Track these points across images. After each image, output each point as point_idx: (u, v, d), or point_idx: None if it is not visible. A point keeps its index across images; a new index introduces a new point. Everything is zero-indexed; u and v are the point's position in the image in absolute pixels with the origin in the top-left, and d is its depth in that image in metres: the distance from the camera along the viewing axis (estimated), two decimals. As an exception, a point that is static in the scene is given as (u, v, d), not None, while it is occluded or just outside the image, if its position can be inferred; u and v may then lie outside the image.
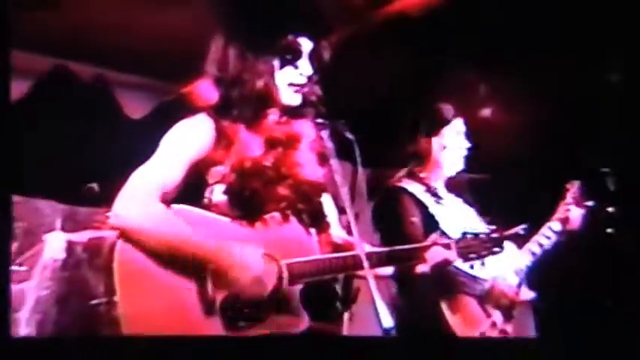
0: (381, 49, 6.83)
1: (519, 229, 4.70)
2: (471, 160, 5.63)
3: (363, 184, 3.94)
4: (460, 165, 5.59)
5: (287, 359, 3.55)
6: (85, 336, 5.06)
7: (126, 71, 7.78)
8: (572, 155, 5.82)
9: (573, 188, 5.57)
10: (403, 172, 5.58)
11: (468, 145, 5.59)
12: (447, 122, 5.54)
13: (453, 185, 5.63)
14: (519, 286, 5.26)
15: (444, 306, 5.10)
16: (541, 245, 5.41)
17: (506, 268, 5.30)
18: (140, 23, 6.85)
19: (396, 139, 5.81)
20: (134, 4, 6.63)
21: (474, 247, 4.38)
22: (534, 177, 6.59)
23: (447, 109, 5.59)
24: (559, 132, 6.83)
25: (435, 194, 5.48)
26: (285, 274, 3.73)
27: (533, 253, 5.40)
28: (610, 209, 5.49)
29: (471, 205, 5.62)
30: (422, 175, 5.54)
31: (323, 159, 3.90)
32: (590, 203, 5.55)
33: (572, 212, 5.48)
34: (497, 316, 5.16)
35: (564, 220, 5.47)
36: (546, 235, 5.44)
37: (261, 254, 3.74)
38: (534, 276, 5.45)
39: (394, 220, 5.33)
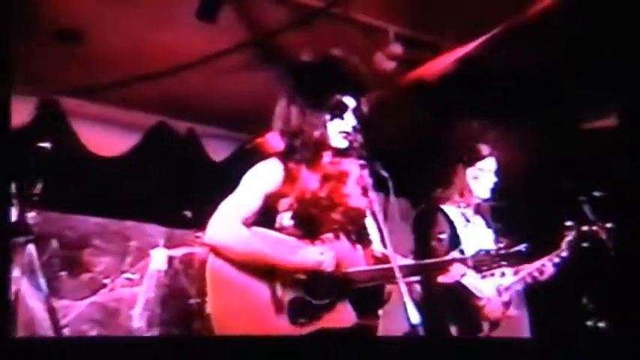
0: (406, 106, 6.88)
1: (522, 247, 4.64)
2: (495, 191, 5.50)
3: (395, 209, 3.88)
4: (487, 194, 5.44)
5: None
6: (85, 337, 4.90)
7: (211, 124, 7.88)
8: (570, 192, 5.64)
9: (569, 237, 5.38)
10: (441, 193, 5.45)
11: (496, 179, 5.45)
12: (482, 158, 5.41)
13: (479, 210, 5.48)
14: (508, 304, 5.15)
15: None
16: (533, 277, 5.26)
17: (501, 289, 5.17)
18: (223, 88, 6.96)
19: (419, 176, 5.70)
20: (217, 75, 6.72)
21: (486, 262, 4.23)
22: (539, 206, 6.48)
23: (484, 148, 5.46)
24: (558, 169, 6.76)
25: (465, 216, 5.38)
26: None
27: (525, 282, 5.27)
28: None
29: (490, 227, 5.46)
30: (457, 199, 5.40)
31: (365, 191, 3.87)
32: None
33: (546, 270, 5.29)
34: (485, 326, 5.13)
35: (541, 271, 5.28)
36: (539, 270, 5.28)
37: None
38: (523, 298, 5.34)
39: (426, 232, 5.23)
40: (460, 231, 5.28)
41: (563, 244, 5.36)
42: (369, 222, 4.02)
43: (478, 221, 5.45)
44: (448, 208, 5.35)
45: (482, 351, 3.48)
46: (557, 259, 5.31)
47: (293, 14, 6.18)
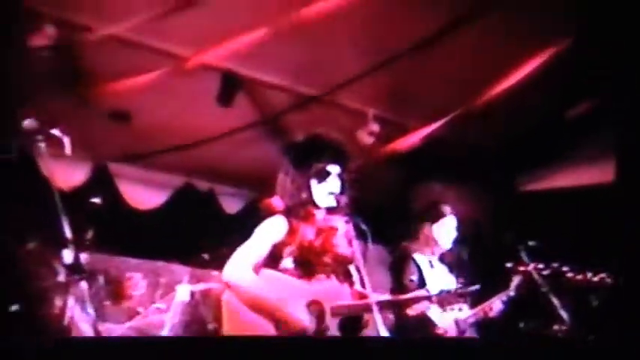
0: (383, 172, 6.87)
1: (475, 287, 4.62)
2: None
3: (373, 256, 3.98)
4: (449, 245, 5.46)
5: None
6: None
7: (227, 185, 7.88)
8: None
9: (516, 280, 5.35)
10: (411, 244, 5.44)
11: (456, 233, 5.47)
12: (445, 216, 5.43)
13: (442, 258, 5.48)
14: (463, 333, 5.13)
15: None
16: (485, 313, 5.22)
17: (459, 321, 5.16)
18: (237, 157, 7.02)
19: (395, 229, 5.73)
20: (232, 146, 6.78)
21: (448, 299, 4.28)
22: (487, 254, 6.43)
23: (446, 208, 5.48)
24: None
25: (430, 263, 5.36)
26: (327, 311, 3.82)
27: (478, 316, 5.23)
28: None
29: (451, 272, 5.46)
30: (425, 249, 5.39)
31: (350, 242, 3.93)
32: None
33: (495, 306, 5.25)
34: None
35: (491, 308, 5.25)
36: (489, 307, 5.25)
37: (304, 305, 3.81)
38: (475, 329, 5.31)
39: (399, 275, 5.25)
40: (426, 275, 5.28)
41: (512, 286, 5.33)
42: (352, 267, 4.03)
43: (442, 267, 5.44)
44: (417, 255, 5.36)
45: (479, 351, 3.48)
46: (505, 298, 5.29)
47: (293, 100, 6.32)
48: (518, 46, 5.53)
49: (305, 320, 3.79)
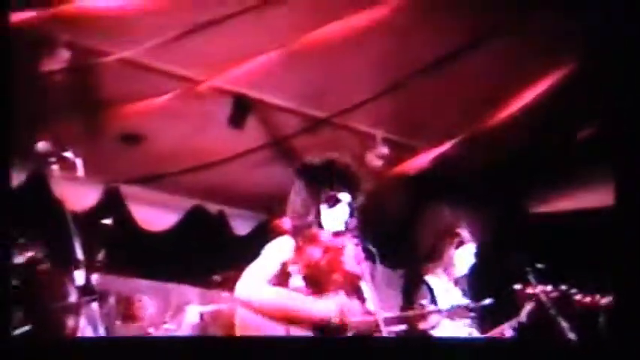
0: (391, 195, 6.90)
1: (487, 302, 4.61)
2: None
3: (380, 276, 3.99)
4: (466, 271, 5.38)
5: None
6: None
7: (236, 207, 7.92)
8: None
9: (529, 306, 5.16)
10: (430, 266, 5.35)
11: (474, 260, 5.38)
12: (466, 243, 5.35)
13: (457, 283, 5.35)
14: None
15: None
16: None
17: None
18: (247, 179, 7.07)
19: (408, 251, 5.81)
20: (242, 169, 6.82)
21: (459, 313, 4.43)
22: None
23: (467, 234, 5.39)
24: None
25: (445, 287, 5.27)
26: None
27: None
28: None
29: (465, 296, 5.30)
30: (441, 273, 5.30)
31: (359, 261, 3.95)
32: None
33: (506, 333, 5.10)
34: None
35: (502, 334, 5.10)
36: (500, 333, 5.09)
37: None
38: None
39: (411, 297, 5.21)
40: (439, 298, 5.19)
41: (523, 313, 5.19)
42: (364, 285, 4.04)
43: (456, 292, 5.36)
44: (432, 278, 5.30)
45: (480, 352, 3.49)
46: (516, 325, 5.15)
47: (303, 122, 6.35)
48: (526, 69, 5.54)
49: (332, 311, 3.84)
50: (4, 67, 3.52)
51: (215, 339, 4.82)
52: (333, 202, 4.06)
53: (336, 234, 4.07)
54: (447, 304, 5.00)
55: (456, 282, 5.41)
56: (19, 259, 4.15)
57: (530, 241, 6.61)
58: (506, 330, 5.21)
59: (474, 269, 5.47)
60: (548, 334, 5.30)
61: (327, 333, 3.85)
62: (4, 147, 3.40)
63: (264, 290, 3.88)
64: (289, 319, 3.83)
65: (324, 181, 4.09)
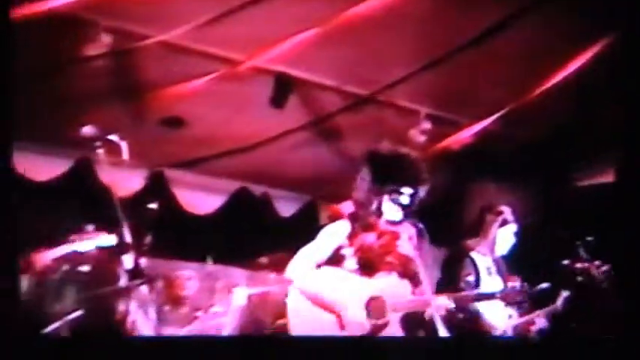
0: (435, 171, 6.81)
1: (545, 285, 4.62)
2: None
3: (430, 256, 4.20)
4: (506, 251, 5.35)
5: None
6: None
7: (281, 188, 7.92)
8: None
9: (563, 295, 5.21)
10: (472, 242, 5.34)
11: (514, 240, 5.36)
12: (509, 222, 5.33)
13: (497, 266, 5.32)
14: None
15: None
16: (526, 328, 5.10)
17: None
18: (290, 160, 7.04)
19: (451, 227, 5.76)
20: (285, 150, 6.80)
21: (514, 296, 4.47)
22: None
23: (510, 214, 5.37)
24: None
25: (488, 269, 5.26)
26: (388, 306, 3.97)
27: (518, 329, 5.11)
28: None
29: (502, 276, 5.27)
30: (482, 250, 5.29)
31: (412, 243, 4.07)
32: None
33: (538, 321, 5.14)
34: None
35: (531, 325, 5.13)
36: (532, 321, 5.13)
37: (364, 304, 3.98)
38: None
39: (455, 273, 5.17)
40: (482, 277, 5.19)
41: (559, 301, 5.23)
42: (415, 265, 4.08)
43: (496, 278, 5.31)
44: (476, 255, 5.26)
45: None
46: (550, 312, 5.19)
47: (345, 100, 6.28)
48: (568, 41, 5.43)
49: (361, 320, 3.96)
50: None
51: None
52: (397, 194, 4.13)
53: (393, 222, 4.17)
54: (489, 286, 5.04)
55: (495, 261, 5.35)
56: (86, 245, 4.14)
57: (578, 215, 6.55)
58: (540, 317, 5.16)
59: (514, 249, 5.42)
60: (581, 325, 5.26)
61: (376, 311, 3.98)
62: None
63: (308, 275, 4.07)
64: (320, 306, 4.00)
65: (390, 173, 4.16)
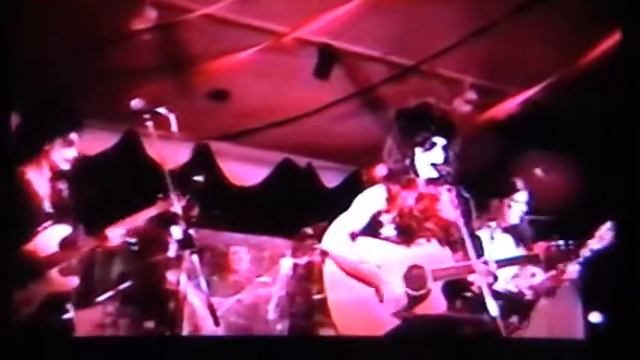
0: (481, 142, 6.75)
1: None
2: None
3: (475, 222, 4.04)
4: (517, 220, 5.20)
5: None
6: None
7: (325, 159, 7.96)
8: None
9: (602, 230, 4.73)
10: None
11: (526, 208, 5.21)
12: (517, 191, 5.20)
13: (508, 230, 5.20)
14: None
15: None
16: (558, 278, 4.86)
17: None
18: (334, 131, 7.04)
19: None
20: (330, 120, 6.79)
21: (558, 256, 4.37)
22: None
23: (519, 182, 5.25)
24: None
25: (491, 235, 5.15)
26: (429, 274, 3.81)
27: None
28: None
29: (518, 245, 5.17)
30: (488, 221, 5.17)
31: (454, 208, 3.84)
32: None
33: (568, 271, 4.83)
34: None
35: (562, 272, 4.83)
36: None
37: (403, 273, 3.83)
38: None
39: None
40: (485, 245, 5.03)
41: (597, 235, 4.74)
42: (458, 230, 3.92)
43: (507, 239, 5.21)
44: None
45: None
46: (588, 253, 4.74)
47: (389, 71, 6.23)
48: (614, 9, 5.31)
49: (400, 291, 3.82)
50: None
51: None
52: (429, 145, 3.97)
53: (431, 181, 4.00)
54: (493, 253, 4.67)
55: (508, 230, 5.24)
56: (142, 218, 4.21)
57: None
58: (570, 267, 4.85)
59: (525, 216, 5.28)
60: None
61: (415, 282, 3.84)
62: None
63: (344, 245, 3.92)
64: (357, 279, 3.87)
65: (420, 124, 4.00)
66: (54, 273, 3.92)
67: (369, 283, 3.84)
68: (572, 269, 4.86)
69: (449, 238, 3.95)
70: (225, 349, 3.27)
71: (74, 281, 4.02)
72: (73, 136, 4.12)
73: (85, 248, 4.08)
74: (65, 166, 4.12)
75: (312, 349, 3.42)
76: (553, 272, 4.90)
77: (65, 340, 3.79)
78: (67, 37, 5.13)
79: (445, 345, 3.49)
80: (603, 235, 4.72)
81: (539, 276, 4.95)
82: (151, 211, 4.18)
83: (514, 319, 4.80)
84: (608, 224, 4.73)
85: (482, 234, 5.10)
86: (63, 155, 4.09)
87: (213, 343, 3.63)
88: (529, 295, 4.93)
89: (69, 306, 4.04)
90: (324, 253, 3.98)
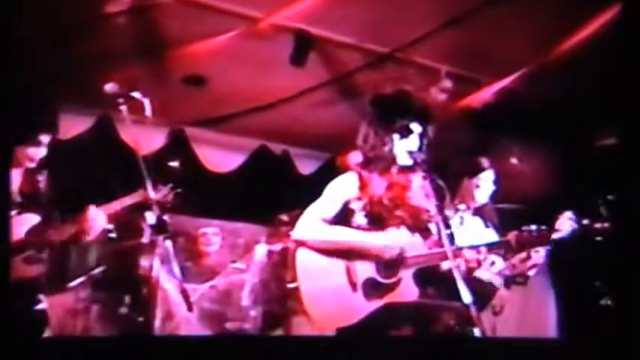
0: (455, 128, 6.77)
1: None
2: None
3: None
4: (486, 200, 5.16)
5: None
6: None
7: (301, 146, 7.98)
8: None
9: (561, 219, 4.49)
10: None
11: (494, 187, 5.17)
12: (483, 170, 5.14)
13: (478, 212, 5.16)
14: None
15: None
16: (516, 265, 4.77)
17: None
18: (310, 118, 7.04)
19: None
20: (306, 107, 6.80)
21: (530, 241, 4.11)
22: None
23: (484, 161, 5.18)
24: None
25: (461, 218, 5.08)
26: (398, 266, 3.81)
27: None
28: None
29: (488, 226, 5.14)
30: (457, 204, 5.10)
31: (427, 196, 3.82)
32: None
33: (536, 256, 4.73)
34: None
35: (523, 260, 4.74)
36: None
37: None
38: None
39: None
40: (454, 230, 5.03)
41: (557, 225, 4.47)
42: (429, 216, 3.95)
43: (476, 221, 5.17)
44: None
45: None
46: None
47: (365, 58, 6.21)
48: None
49: (372, 279, 3.81)
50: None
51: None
52: (406, 131, 3.95)
53: (404, 169, 3.98)
54: (465, 239, 4.64)
55: (476, 211, 5.20)
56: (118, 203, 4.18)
57: (600, 174, 6.47)
58: (535, 253, 4.73)
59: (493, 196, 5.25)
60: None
61: (386, 266, 3.82)
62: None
63: (318, 229, 3.88)
64: (347, 254, 3.84)
65: (397, 110, 3.98)
66: (17, 261, 3.88)
67: (349, 255, 3.82)
68: (537, 255, 4.76)
69: (419, 226, 3.94)
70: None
71: (39, 269, 3.98)
72: (44, 137, 4.09)
73: (59, 235, 4.04)
74: (31, 165, 4.10)
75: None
76: (515, 260, 4.79)
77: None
78: (40, 20, 5.07)
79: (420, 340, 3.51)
80: (562, 224, 4.50)
81: (498, 264, 4.73)
82: (132, 199, 4.15)
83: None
84: (567, 213, 4.54)
85: (453, 219, 5.15)
86: (30, 155, 4.06)
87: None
88: (497, 283, 4.88)
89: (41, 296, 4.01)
90: (299, 243, 3.93)
